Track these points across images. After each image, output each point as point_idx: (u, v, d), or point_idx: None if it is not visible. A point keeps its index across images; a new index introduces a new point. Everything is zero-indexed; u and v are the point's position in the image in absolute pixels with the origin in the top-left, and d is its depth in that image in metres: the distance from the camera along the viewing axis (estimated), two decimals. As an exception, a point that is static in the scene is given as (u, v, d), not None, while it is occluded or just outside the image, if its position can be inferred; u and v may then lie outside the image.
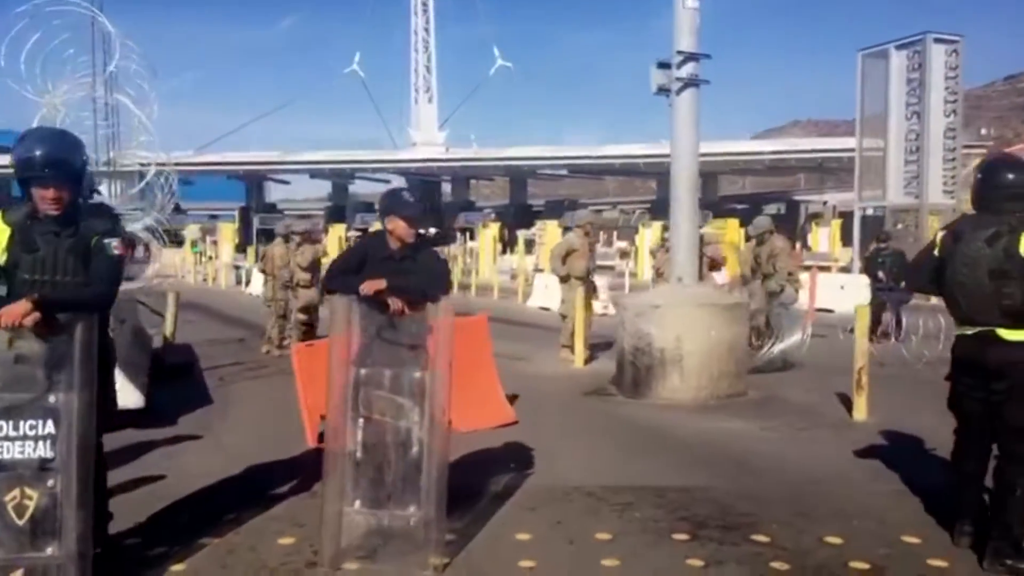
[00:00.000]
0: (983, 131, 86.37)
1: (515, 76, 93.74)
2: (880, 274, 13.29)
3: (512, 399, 7.64)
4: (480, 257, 37.59)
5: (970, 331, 3.97)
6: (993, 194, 3.99)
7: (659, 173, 69.33)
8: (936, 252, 4.21)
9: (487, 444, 6.12)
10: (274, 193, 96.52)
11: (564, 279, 10.85)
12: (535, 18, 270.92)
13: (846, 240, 31.00)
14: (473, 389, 6.75)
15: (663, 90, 8.36)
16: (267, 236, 58.00)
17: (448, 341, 3.95)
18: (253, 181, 76.83)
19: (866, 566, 3.88)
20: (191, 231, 43.80)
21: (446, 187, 79.14)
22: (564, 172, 79.79)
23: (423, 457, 3.87)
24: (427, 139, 77.21)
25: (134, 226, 10.10)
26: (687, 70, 8.22)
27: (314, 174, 77.75)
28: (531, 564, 3.88)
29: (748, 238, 12.17)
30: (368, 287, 3.91)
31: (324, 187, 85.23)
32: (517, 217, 69.12)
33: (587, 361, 10.29)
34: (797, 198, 73.04)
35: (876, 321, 12.79)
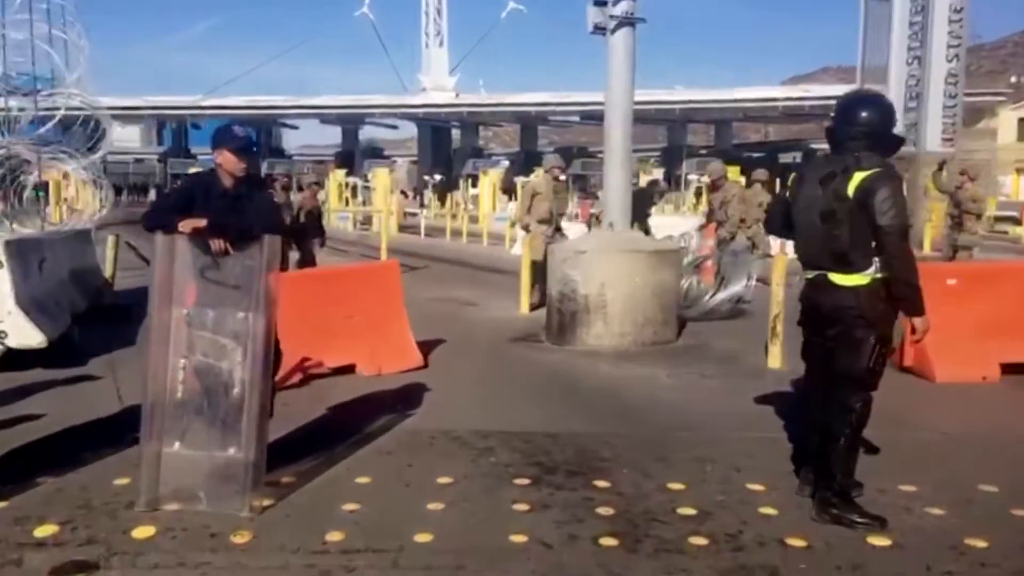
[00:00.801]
0: (1013, 79, 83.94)
1: (527, 20, 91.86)
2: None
3: (435, 344, 7.61)
4: (480, 203, 37.32)
5: (809, 275, 3.85)
6: (842, 132, 3.80)
7: (669, 120, 68.66)
8: (788, 195, 4.07)
9: (383, 388, 6.09)
10: (292, 139, 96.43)
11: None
12: None
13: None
14: (382, 334, 6.72)
15: (599, 29, 8.08)
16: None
17: (272, 281, 3.86)
18: (262, 126, 76.52)
19: (692, 511, 3.82)
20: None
21: (456, 134, 78.26)
22: (576, 119, 78.70)
23: (244, 398, 3.82)
24: (437, 84, 76.13)
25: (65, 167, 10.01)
26: (622, 7, 7.93)
27: (324, 119, 77.34)
28: (355, 507, 3.85)
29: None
30: (186, 225, 3.81)
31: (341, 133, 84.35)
32: (527, 164, 68.54)
33: (535, 308, 10.20)
34: (814, 146, 71.80)
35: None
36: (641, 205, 10.46)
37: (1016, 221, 27.19)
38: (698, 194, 37.26)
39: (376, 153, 74.63)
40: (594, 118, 76.51)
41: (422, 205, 45.95)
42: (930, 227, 21.73)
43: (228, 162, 4.06)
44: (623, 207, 8.17)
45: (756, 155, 74.05)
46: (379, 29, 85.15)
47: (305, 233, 11.40)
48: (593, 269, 7.70)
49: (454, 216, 30.92)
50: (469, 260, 18.66)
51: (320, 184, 11.44)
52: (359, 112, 70.69)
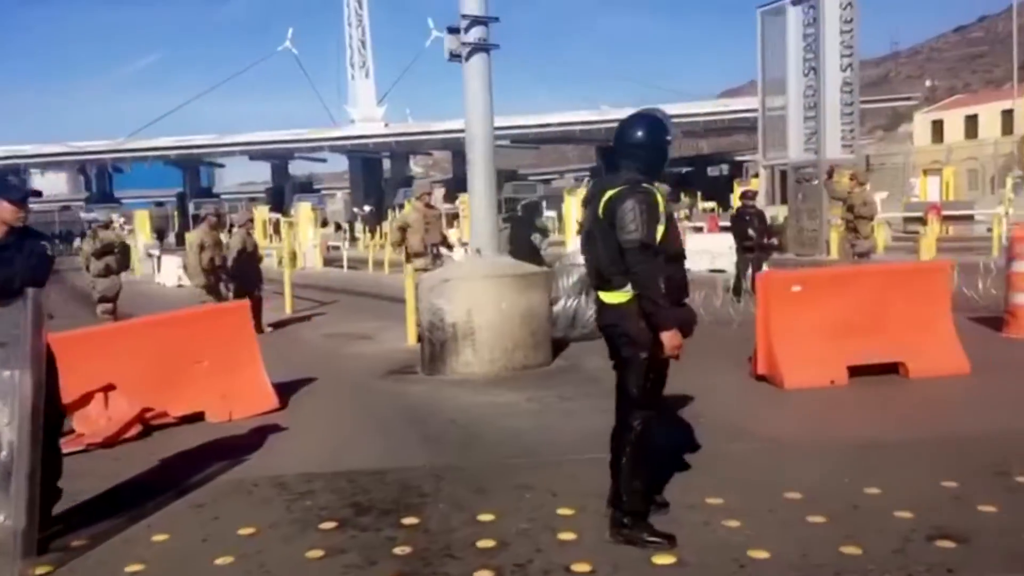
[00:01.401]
0: (928, 83, 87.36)
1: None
2: (750, 231, 13.23)
3: (303, 383, 7.47)
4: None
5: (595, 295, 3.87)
6: (614, 152, 3.83)
7: (596, 140, 69.62)
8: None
9: (227, 434, 5.92)
10: (230, 176, 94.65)
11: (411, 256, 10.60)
12: None
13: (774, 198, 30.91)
14: (234, 377, 6.55)
15: (455, 56, 8.10)
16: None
17: (36, 337, 3.70)
18: (188, 166, 75.28)
19: (492, 544, 3.76)
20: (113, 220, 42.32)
21: (388, 164, 78.01)
22: (507, 142, 79.23)
23: (12, 462, 3.63)
24: (365, 115, 76.01)
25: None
26: (475, 34, 7.97)
27: (252, 156, 76.38)
28: (139, 567, 3.69)
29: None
30: None
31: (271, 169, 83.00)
32: (459, 190, 68.73)
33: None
34: (739, 158, 73.40)
35: (741, 279, 12.87)
36: (523, 228, 10.51)
37: (923, 221, 28.08)
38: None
39: (306, 187, 73.79)
40: (526, 141, 77.40)
41: (354, 238, 45.65)
42: (836, 232, 22.34)
43: (5, 212, 3.90)
44: (490, 233, 8.16)
45: (685, 170, 75.66)
46: (304, 62, 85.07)
47: (247, 276, 11.18)
48: (459, 296, 7.65)
49: (381, 247, 30.59)
50: (383, 291, 18.47)
51: (253, 222, 11.31)
52: (285, 147, 70.03)
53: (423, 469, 4.90)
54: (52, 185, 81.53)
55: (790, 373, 6.53)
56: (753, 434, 5.39)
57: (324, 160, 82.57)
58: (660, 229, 3.60)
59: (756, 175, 54.55)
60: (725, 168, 69.91)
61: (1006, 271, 8.43)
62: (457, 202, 43.39)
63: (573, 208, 35.05)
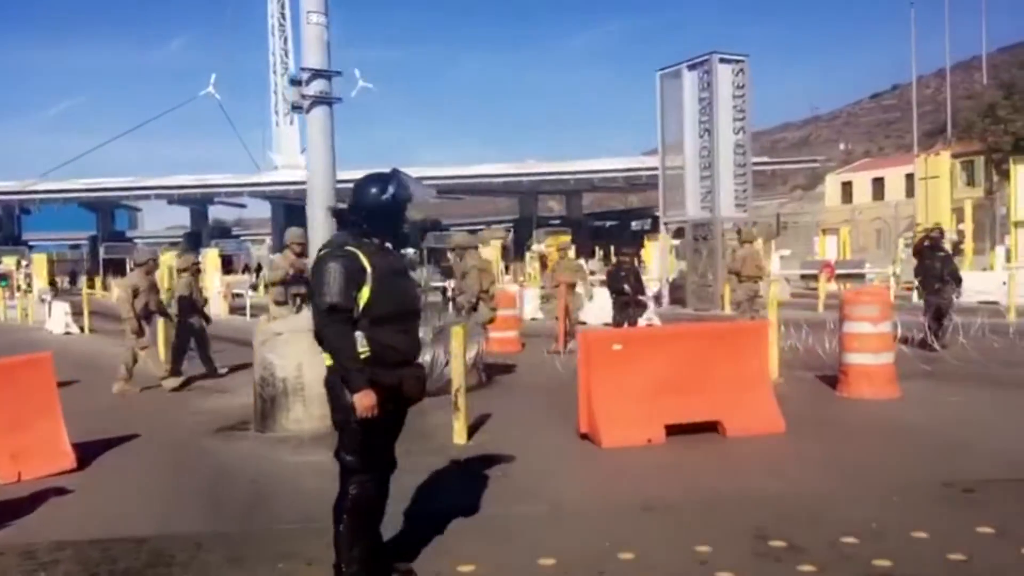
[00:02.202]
0: (842, 146, 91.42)
1: (379, 98, 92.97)
2: (626, 287, 13.42)
3: (122, 440, 7.16)
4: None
5: None
6: (350, 209, 3.79)
7: (519, 192, 70.56)
8: None
9: (6, 497, 5.56)
10: (156, 220, 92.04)
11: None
12: (398, 42, 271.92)
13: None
14: (26, 435, 6.20)
15: (296, 108, 8.07)
16: (115, 266, 55.01)
17: None
18: (103, 209, 73.23)
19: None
20: (7, 262, 40.56)
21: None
22: (432, 193, 79.44)
23: None
24: (289, 162, 75.47)
25: None
26: (315, 87, 7.95)
27: (171, 200, 74.76)
28: None
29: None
30: None
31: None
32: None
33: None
34: (657, 214, 75.23)
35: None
36: None
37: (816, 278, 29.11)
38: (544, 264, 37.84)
39: (225, 233, 72.42)
40: (453, 192, 77.75)
41: (254, 286, 44.68)
42: (727, 286, 22.95)
43: None
44: (329, 286, 8.03)
45: (609, 223, 77.11)
46: (230, 108, 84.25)
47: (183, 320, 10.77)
48: (290, 351, 7.48)
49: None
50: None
51: (156, 263, 10.82)
52: (204, 192, 68.74)
53: (187, 537, 4.67)
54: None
55: (607, 432, 6.54)
56: (542, 496, 5.29)
57: (244, 206, 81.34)
58: (365, 291, 3.54)
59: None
60: (648, 223, 71.51)
61: (839, 331, 8.71)
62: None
63: (484, 256, 35.45)
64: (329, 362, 3.58)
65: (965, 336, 11.33)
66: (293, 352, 7.47)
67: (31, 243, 71.23)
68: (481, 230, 79.63)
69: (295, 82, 8.01)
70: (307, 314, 7.73)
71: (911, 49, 61.19)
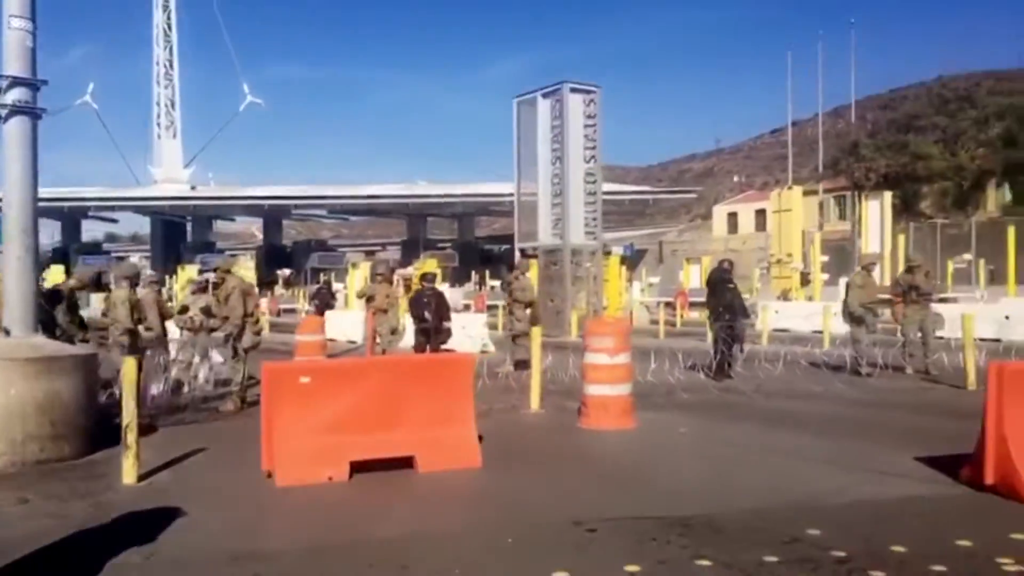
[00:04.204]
0: (736, 178, 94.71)
1: (268, 115, 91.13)
2: (426, 314, 13.13)
3: None
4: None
5: None
6: None
7: (407, 214, 70.10)
8: None
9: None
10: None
11: None
12: (288, 58, 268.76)
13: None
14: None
15: (-6, 116, 7.44)
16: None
17: None
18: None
19: None
20: None
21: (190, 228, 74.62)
22: (323, 212, 78.18)
23: None
24: (170, 176, 72.95)
25: None
26: (14, 95, 7.36)
27: (42, 212, 70.83)
28: None
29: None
30: None
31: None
32: (268, 257, 66.61)
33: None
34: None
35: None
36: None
37: (673, 306, 29.75)
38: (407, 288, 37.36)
39: (94, 249, 69.05)
40: (340, 212, 76.42)
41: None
42: (576, 313, 23.08)
43: None
44: (22, 311, 7.41)
45: (503, 247, 77.26)
46: (106, 118, 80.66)
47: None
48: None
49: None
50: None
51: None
52: (75, 205, 65.33)
53: None
54: None
55: (284, 469, 6.17)
56: (161, 543, 4.83)
57: (116, 220, 78.01)
58: None
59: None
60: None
61: (581, 362, 8.63)
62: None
63: (357, 280, 34.70)
64: None
65: (764, 366, 11.58)
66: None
67: None
68: (377, 250, 78.86)
69: (-8, 90, 7.39)
70: (2, 341, 7.13)
71: (787, 92, 63.90)
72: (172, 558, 4.60)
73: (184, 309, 12.01)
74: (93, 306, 35.26)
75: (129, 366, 6.38)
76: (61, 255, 65.46)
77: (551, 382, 10.72)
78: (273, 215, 71.51)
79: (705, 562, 4.34)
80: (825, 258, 35.18)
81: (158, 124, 74.64)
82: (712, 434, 8.13)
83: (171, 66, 74.97)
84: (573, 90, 24.03)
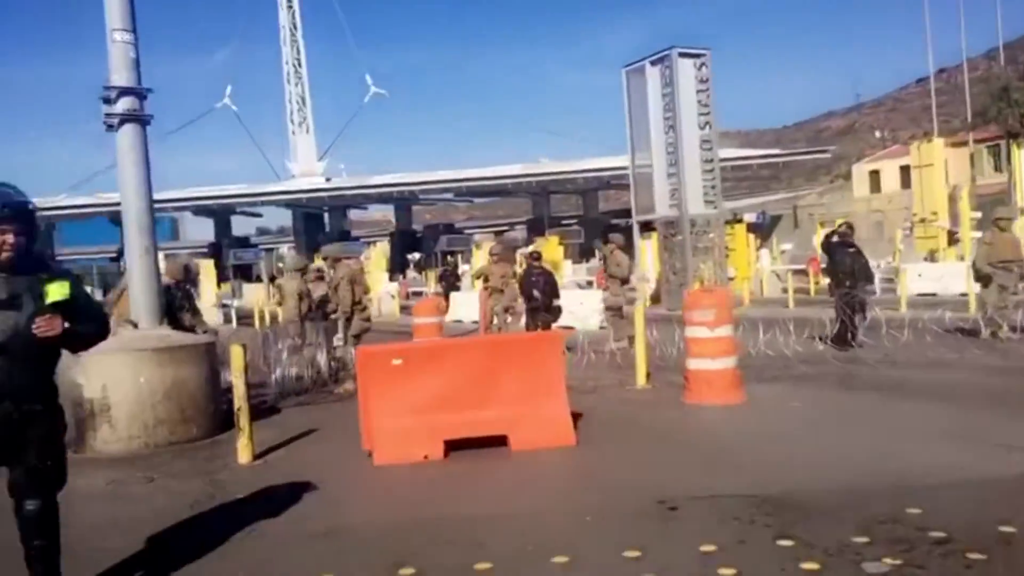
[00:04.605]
0: (878, 134, 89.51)
1: (392, 103, 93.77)
2: (535, 293, 13.19)
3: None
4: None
5: None
6: None
7: (531, 193, 70.34)
8: None
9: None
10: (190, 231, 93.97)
11: None
12: (407, 45, 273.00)
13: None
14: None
15: (109, 126, 8.02)
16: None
17: None
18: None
19: None
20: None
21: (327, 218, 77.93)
22: (450, 196, 79.75)
23: None
24: (305, 170, 76.34)
25: None
26: (123, 104, 7.91)
27: (196, 211, 76.07)
28: None
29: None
30: None
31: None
32: (400, 243, 68.84)
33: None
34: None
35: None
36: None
37: (805, 272, 28.49)
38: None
39: (244, 243, 73.47)
40: (470, 194, 77.72)
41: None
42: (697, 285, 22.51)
43: None
44: (148, 305, 8.00)
45: (627, 221, 76.32)
46: (246, 118, 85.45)
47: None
48: (94, 372, 7.44)
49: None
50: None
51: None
52: (224, 202, 69.67)
53: None
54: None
55: (382, 448, 6.39)
56: (250, 521, 5.12)
57: (260, 215, 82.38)
58: None
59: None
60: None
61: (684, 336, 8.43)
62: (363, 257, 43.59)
63: (480, 259, 35.30)
64: None
65: (893, 334, 10.95)
66: (97, 373, 7.44)
67: (59, 257, 73.25)
68: (506, 230, 79.79)
69: (107, 100, 7.96)
70: (129, 334, 7.75)
71: (927, 36, 59.38)
72: (270, 533, 4.87)
73: (302, 296, 12.60)
74: (245, 296, 37.25)
75: (236, 354, 6.78)
76: (215, 250, 70.19)
77: (660, 358, 10.53)
78: (402, 201, 73.57)
79: (787, 542, 4.16)
80: (977, 214, 32.54)
81: (291, 121, 78.12)
82: (825, 407, 7.76)
83: (299, 64, 78.12)
84: (682, 55, 23.29)
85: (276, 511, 5.25)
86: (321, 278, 12.93)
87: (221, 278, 52.84)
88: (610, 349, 12.32)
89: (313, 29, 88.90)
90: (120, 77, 7.86)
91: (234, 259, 67.19)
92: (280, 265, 47.20)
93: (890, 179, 61.63)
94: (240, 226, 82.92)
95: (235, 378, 6.76)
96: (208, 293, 33.20)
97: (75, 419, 7.55)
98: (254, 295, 35.99)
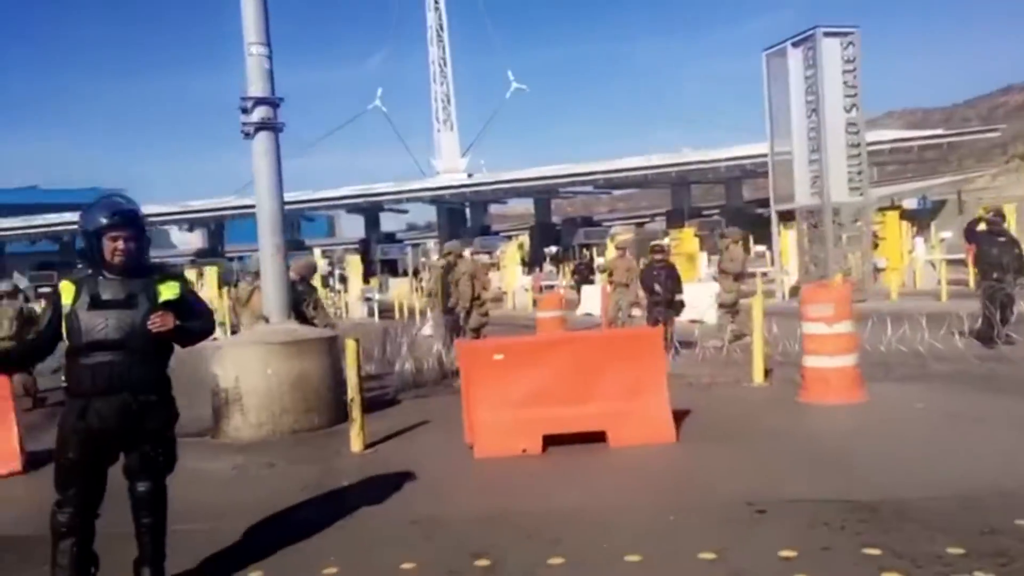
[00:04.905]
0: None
1: (531, 98, 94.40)
2: (656, 287, 13.03)
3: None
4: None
5: None
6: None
7: (671, 183, 68.92)
8: None
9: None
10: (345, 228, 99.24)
11: None
12: (547, 40, 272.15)
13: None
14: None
15: (246, 134, 8.64)
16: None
17: None
18: (287, 221, 79.15)
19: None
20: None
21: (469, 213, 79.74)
22: (590, 188, 79.58)
23: None
24: (449, 167, 78.46)
25: None
26: (259, 114, 8.48)
27: (349, 209, 79.99)
28: None
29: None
30: None
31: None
32: (540, 236, 69.51)
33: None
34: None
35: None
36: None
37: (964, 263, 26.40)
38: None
39: (390, 238, 76.39)
40: (609, 186, 77.19)
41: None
42: (840, 277, 21.39)
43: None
44: (278, 301, 8.56)
45: (764, 211, 73.28)
46: (394, 118, 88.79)
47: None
48: (228, 363, 8.07)
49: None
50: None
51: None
52: (373, 200, 72.69)
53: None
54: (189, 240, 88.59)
55: (482, 441, 6.57)
56: (402, 504, 5.39)
57: (406, 211, 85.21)
58: (59, 322, 3.83)
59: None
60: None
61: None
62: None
63: (612, 252, 35.03)
64: None
65: None
66: (231, 364, 8.07)
67: (229, 255, 79.05)
68: (647, 222, 78.81)
69: (244, 110, 8.57)
70: (262, 327, 8.36)
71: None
72: (366, 518, 5.14)
73: (431, 292, 13.07)
74: (391, 290, 38.60)
75: (350, 347, 7.16)
76: (364, 246, 73.53)
77: (781, 354, 10.16)
78: (541, 195, 74.13)
79: (874, 551, 3.97)
80: None
81: (437, 119, 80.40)
82: (954, 410, 7.25)
83: (444, 63, 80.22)
84: (827, 34, 22.13)
85: (376, 498, 5.53)
86: (448, 272, 13.35)
87: (369, 273, 55.37)
88: (714, 345, 11.98)
89: (458, 28, 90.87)
90: (256, 88, 8.44)
91: (381, 254, 70.17)
92: (423, 260, 48.77)
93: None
94: (390, 222, 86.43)
95: (349, 370, 7.14)
96: (354, 287, 34.90)
97: (212, 407, 8.25)
98: (397, 289, 37.32)
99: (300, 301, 9.29)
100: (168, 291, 3.90)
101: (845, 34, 22.31)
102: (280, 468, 6.78)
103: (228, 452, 7.47)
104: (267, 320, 8.56)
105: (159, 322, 3.76)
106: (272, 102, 8.55)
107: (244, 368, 8.03)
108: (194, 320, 4.00)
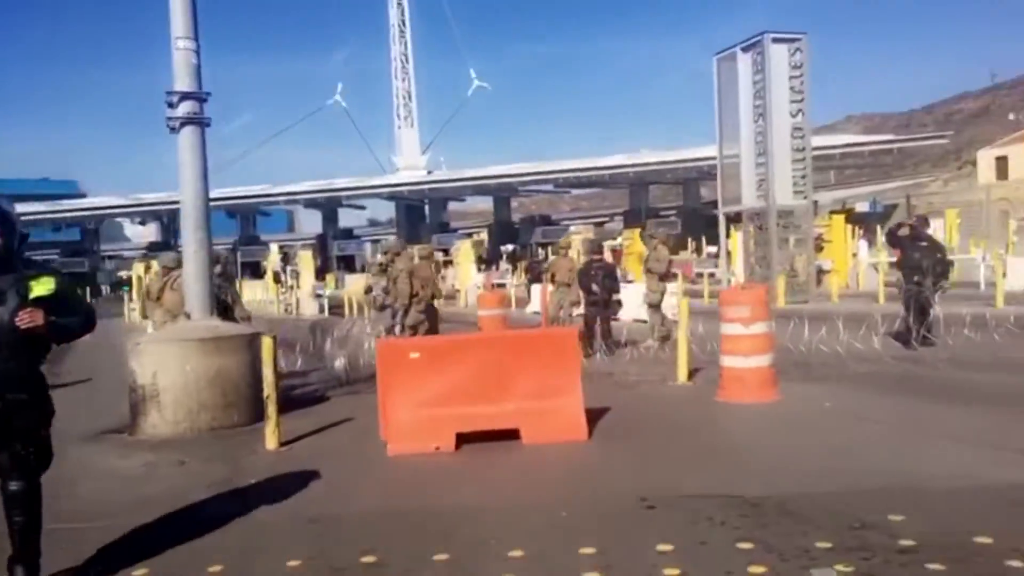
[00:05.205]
0: (1012, 116, 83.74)
1: (493, 97, 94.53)
2: (593, 287, 13.14)
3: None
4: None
5: None
6: None
7: (631, 184, 69.47)
8: None
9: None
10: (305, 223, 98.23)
11: None
12: (510, 39, 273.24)
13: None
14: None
15: (171, 128, 8.53)
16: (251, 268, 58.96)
17: None
18: (244, 215, 78.17)
19: None
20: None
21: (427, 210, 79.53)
22: (549, 188, 79.88)
23: None
24: (410, 163, 78.20)
25: None
26: (184, 108, 8.39)
27: (307, 204, 79.24)
28: None
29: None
30: None
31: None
32: (498, 234, 69.59)
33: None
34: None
35: (591, 335, 12.74)
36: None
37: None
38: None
39: (347, 234, 75.86)
40: (568, 185, 77.49)
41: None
42: (782, 279, 21.78)
43: None
44: (200, 297, 8.48)
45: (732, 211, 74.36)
46: (354, 114, 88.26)
47: None
48: (147, 359, 7.97)
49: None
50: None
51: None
52: (330, 196, 72.11)
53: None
54: (141, 235, 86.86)
55: (394, 439, 6.59)
56: (296, 502, 5.39)
57: (363, 207, 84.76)
58: None
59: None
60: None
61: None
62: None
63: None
64: None
65: (968, 333, 10.37)
66: (150, 360, 7.97)
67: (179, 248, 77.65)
68: (606, 222, 79.37)
69: (170, 104, 8.46)
70: (182, 324, 8.27)
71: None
72: (264, 517, 5.13)
73: (368, 289, 13.05)
74: (348, 286, 38.33)
75: (267, 344, 7.13)
76: (322, 242, 72.92)
77: (708, 353, 10.32)
78: (500, 193, 74.22)
79: (747, 545, 4.08)
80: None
81: (398, 115, 80.00)
82: (860, 409, 7.45)
83: (407, 60, 79.84)
84: (775, 40, 22.58)
85: (279, 497, 5.52)
86: (384, 271, 13.34)
87: (326, 269, 54.91)
88: (647, 345, 12.13)
89: (420, 25, 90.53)
90: (182, 83, 8.35)
91: (338, 250, 69.75)
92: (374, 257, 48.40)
93: (1018, 165, 57.67)
94: (351, 218, 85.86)
95: (265, 367, 7.11)
96: (306, 283, 34.58)
97: (130, 404, 8.15)
98: (351, 286, 37.11)
99: (217, 294, 9.21)
100: (41, 287, 3.85)
101: (793, 40, 22.75)
102: (190, 466, 6.71)
103: (142, 449, 7.38)
104: (188, 316, 8.48)
105: (27, 318, 3.72)
106: (199, 97, 8.46)
107: (162, 364, 7.94)
108: (71, 316, 3.96)
